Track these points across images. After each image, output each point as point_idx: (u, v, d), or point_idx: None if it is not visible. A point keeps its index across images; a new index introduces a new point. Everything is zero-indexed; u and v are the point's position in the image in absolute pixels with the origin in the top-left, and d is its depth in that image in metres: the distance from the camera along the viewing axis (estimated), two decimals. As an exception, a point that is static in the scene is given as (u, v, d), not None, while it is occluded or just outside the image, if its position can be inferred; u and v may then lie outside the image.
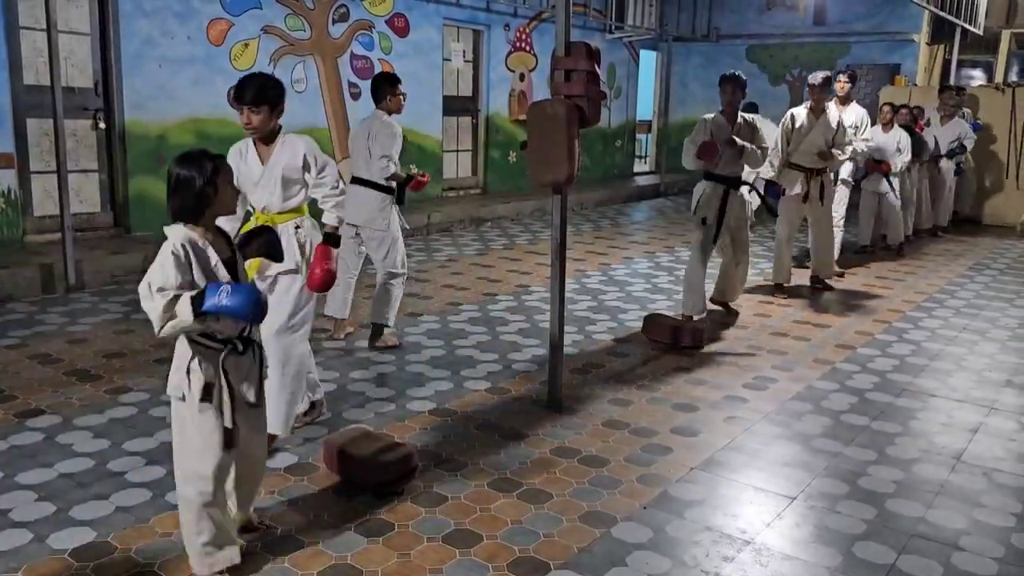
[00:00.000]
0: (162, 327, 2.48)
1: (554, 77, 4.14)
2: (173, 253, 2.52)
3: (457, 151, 11.43)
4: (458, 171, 11.50)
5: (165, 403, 4.24)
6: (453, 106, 11.08)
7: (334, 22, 9.16)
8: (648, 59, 14.98)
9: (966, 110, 10.75)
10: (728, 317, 6.20)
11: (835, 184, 7.72)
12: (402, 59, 9.99)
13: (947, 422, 4.32)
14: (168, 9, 7.61)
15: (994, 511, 3.37)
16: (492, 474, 3.55)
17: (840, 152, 6.87)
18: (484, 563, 2.89)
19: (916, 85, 12.45)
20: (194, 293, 2.47)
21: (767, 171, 6.86)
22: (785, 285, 7.03)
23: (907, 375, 5.05)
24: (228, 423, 2.65)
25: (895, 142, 8.44)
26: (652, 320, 5.60)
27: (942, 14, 11.07)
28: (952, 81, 12.08)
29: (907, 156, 8.55)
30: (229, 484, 2.83)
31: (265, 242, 3.03)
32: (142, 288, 2.52)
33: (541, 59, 12.07)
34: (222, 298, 2.45)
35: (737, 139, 5.71)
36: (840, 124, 6.87)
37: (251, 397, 2.74)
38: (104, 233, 7.46)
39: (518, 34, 11.81)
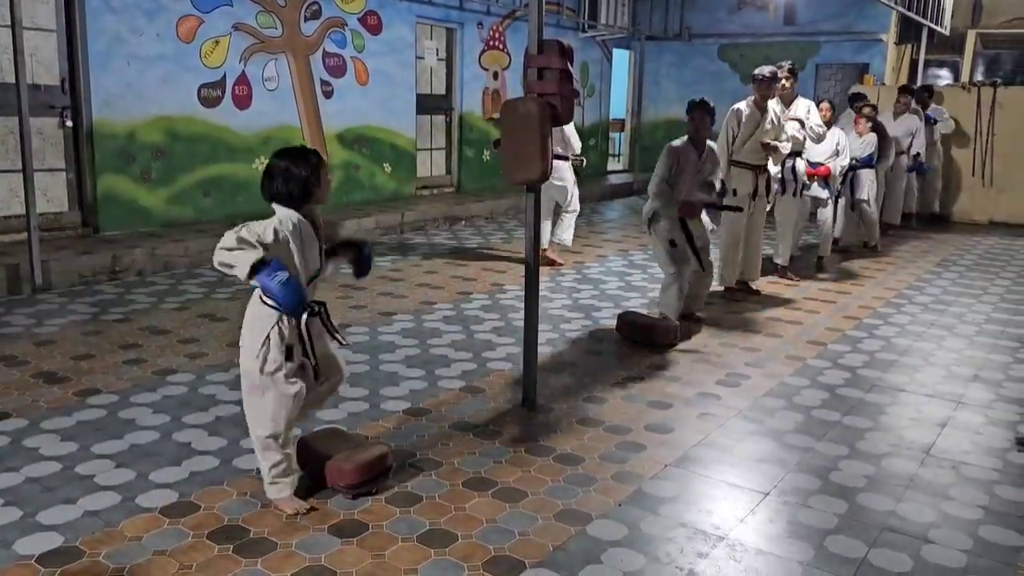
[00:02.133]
0: (221, 259, 2.86)
1: (527, 75, 4.14)
2: (275, 227, 2.96)
3: (431, 149, 11.40)
4: (432, 170, 11.47)
5: (134, 405, 4.19)
6: (426, 104, 11.05)
7: (306, 19, 9.09)
8: (621, 58, 15.03)
9: (935, 106, 10.91)
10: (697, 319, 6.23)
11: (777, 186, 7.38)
12: (375, 57, 9.94)
13: (916, 417, 4.38)
14: (137, 6, 7.50)
15: (962, 504, 3.42)
16: (467, 473, 3.54)
17: (783, 145, 6.63)
18: (459, 562, 2.88)
19: (884, 84, 12.61)
20: (260, 258, 2.83)
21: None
22: (733, 287, 6.88)
23: (877, 371, 5.12)
24: (310, 371, 3.19)
25: (833, 144, 7.94)
26: (626, 318, 5.62)
27: (909, 14, 11.20)
28: (920, 81, 12.24)
29: (845, 160, 8.12)
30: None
31: (357, 258, 3.29)
32: (235, 230, 2.88)
33: (515, 57, 12.07)
34: (276, 280, 2.85)
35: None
36: (780, 119, 6.65)
37: (325, 347, 3.26)
38: (72, 233, 7.35)
39: (491, 32, 11.80)
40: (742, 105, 6.60)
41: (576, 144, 7.88)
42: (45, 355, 4.90)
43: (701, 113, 5.67)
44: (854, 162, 8.65)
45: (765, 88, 6.50)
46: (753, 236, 6.87)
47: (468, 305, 6.37)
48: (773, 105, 6.65)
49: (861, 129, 8.82)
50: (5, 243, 6.82)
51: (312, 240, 3.10)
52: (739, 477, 3.61)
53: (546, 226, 7.86)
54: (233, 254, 2.85)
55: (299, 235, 3.03)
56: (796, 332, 5.89)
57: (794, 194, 7.45)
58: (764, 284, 7.23)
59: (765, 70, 6.50)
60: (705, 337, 5.70)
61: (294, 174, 3.01)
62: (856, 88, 11.99)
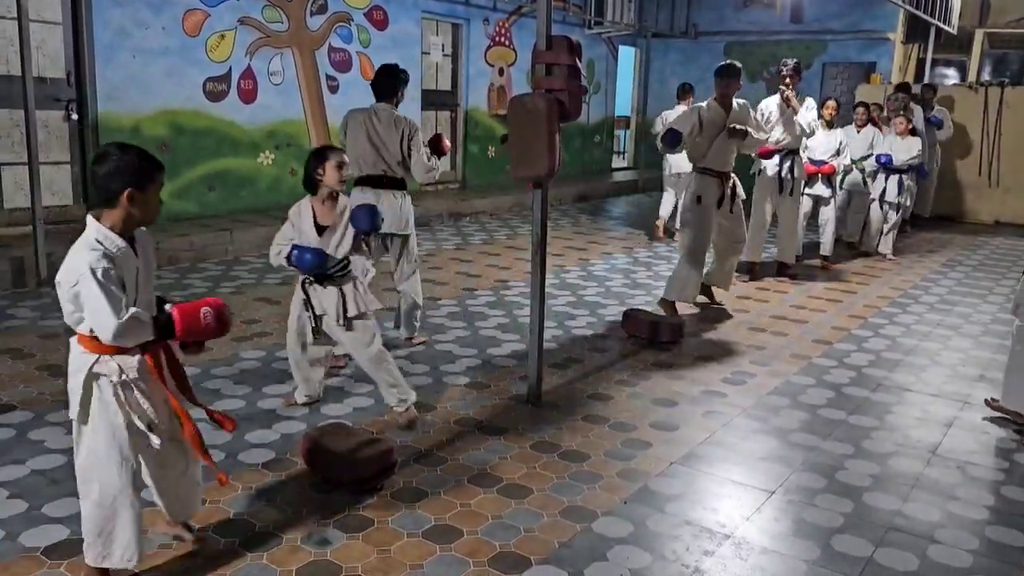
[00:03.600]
0: (274, 257, 3.88)
1: (535, 71, 4.13)
2: (291, 219, 3.89)
3: (436, 145, 11.37)
4: (437, 165, 11.43)
5: (140, 398, 4.18)
6: (432, 100, 11.03)
7: (312, 14, 9.08)
8: (627, 55, 14.99)
9: (939, 108, 10.86)
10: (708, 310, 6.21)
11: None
12: (380, 52, 9.91)
13: (922, 416, 4.37)
14: (142, -1, 7.50)
15: (968, 504, 3.41)
16: (472, 469, 3.54)
17: (759, 132, 6.07)
18: (464, 558, 2.88)
19: (891, 83, 12.57)
20: (288, 249, 3.79)
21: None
22: (677, 304, 6.10)
23: (883, 370, 5.10)
24: (312, 324, 3.90)
25: (836, 142, 7.76)
26: (631, 315, 5.61)
27: (917, 12, 11.17)
28: (926, 80, 12.21)
29: (847, 159, 7.97)
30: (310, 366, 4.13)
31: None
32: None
33: (520, 53, 12.05)
34: (293, 256, 3.77)
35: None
36: (745, 106, 6.03)
37: (333, 319, 3.87)
38: (77, 226, 7.28)
39: (497, 28, 11.77)
40: (703, 104, 5.95)
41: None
42: (50, 348, 4.90)
43: None
44: (906, 165, 8.41)
45: (724, 84, 5.84)
46: (727, 244, 6.29)
47: (473, 301, 6.36)
48: (739, 101, 6.02)
49: (902, 131, 8.47)
50: (10, 236, 6.81)
51: (309, 222, 3.83)
52: (745, 475, 3.60)
53: (667, 199, 9.07)
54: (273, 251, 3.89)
55: (299, 216, 3.86)
56: (801, 331, 5.88)
57: (791, 193, 7.33)
58: (770, 283, 7.22)
59: (726, 62, 5.95)
60: (710, 335, 5.69)
61: (306, 169, 3.83)
62: (863, 87, 11.97)
